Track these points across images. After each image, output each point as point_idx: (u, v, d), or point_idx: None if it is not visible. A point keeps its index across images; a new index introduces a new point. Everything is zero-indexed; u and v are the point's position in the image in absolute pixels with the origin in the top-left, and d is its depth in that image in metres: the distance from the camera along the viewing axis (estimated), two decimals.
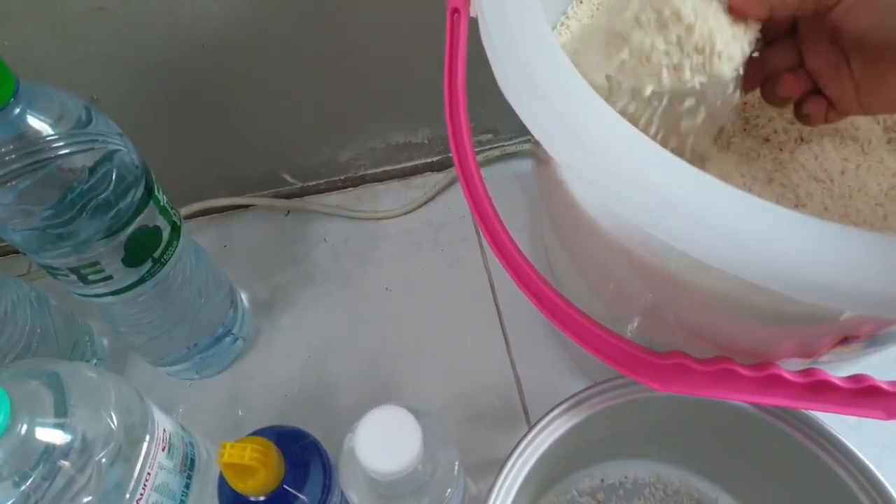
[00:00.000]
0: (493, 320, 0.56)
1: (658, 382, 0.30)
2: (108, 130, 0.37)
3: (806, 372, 0.28)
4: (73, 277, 0.39)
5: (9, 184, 0.34)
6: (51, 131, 0.34)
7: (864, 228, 0.30)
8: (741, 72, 0.29)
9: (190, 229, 0.48)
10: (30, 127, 0.33)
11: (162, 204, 0.41)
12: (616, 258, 0.33)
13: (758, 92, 0.37)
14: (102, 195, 0.36)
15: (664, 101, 0.29)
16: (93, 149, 0.36)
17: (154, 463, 0.35)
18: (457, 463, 0.37)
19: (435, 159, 0.66)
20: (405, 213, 0.63)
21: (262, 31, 0.49)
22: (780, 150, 0.35)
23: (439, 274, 0.59)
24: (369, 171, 0.65)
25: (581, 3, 0.41)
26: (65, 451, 0.30)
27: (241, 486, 0.33)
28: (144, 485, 0.34)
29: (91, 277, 0.40)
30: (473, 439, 0.50)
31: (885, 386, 0.27)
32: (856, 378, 0.28)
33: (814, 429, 0.35)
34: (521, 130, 0.63)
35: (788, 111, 0.36)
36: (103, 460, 0.31)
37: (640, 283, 0.34)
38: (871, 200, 0.32)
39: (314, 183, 0.65)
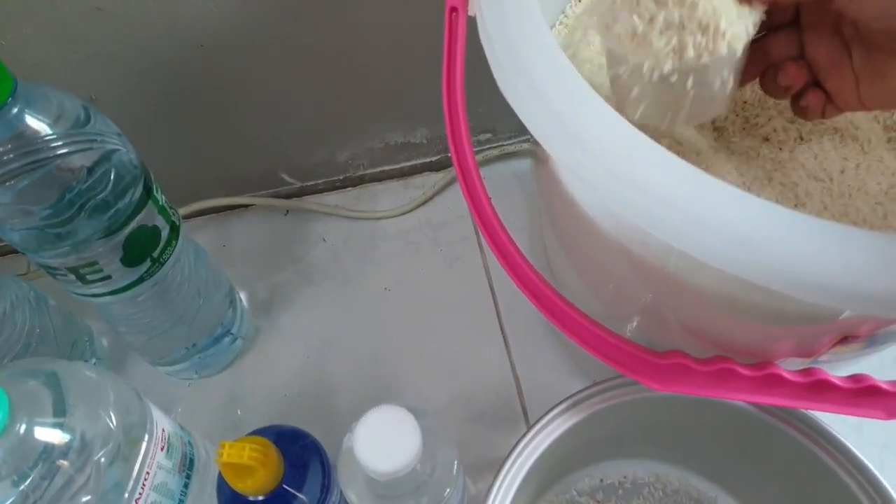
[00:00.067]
0: (493, 320, 0.56)
1: (657, 382, 0.30)
2: (107, 130, 0.37)
3: (805, 372, 0.28)
4: (72, 277, 0.39)
5: (7, 183, 0.34)
6: (49, 131, 0.34)
7: (863, 228, 0.30)
8: (741, 52, 0.28)
9: (189, 229, 0.48)
10: (28, 126, 0.33)
11: (161, 203, 0.41)
12: (615, 258, 0.33)
13: (758, 92, 0.37)
14: (101, 195, 0.36)
15: (656, 75, 0.29)
16: (91, 148, 0.36)
17: (153, 462, 0.35)
18: (456, 462, 0.37)
19: (434, 159, 0.66)
20: (404, 213, 0.63)
21: (260, 31, 0.49)
22: (780, 149, 0.35)
23: (438, 274, 0.59)
24: (368, 171, 0.65)
25: (580, 1, 0.41)
26: (63, 450, 0.30)
27: (240, 485, 0.33)
28: (143, 484, 0.34)
29: (90, 277, 0.39)
30: (472, 439, 0.50)
31: (884, 386, 0.27)
32: (855, 378, 0.28)
33: (813, 428, 0.35)
34: (520, 130, 0.63)
35: (788, 110, 0.36)
36: (102, 460, 0.31)
37: (640, 283, 0.34)
38: (870, 199, 0.32)
39: (313, 183, 0.65)
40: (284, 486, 0.35)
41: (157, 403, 0.38)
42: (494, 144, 0.66)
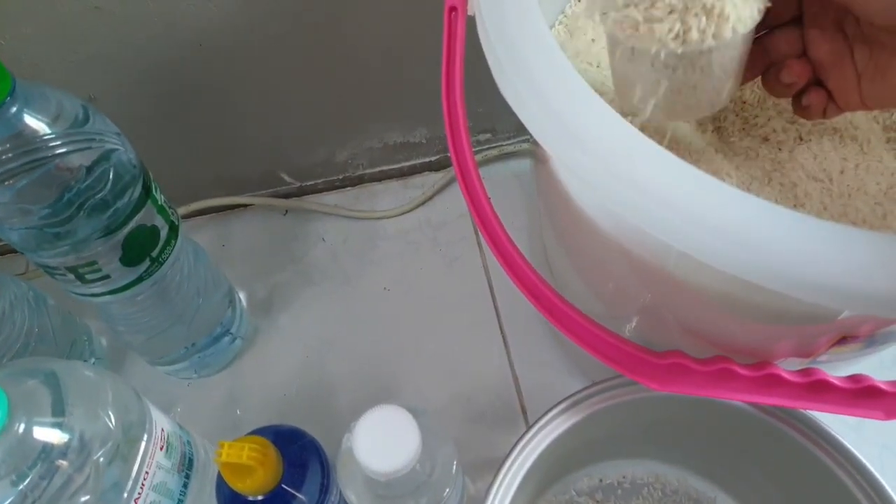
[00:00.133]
0: (492, 320, 0.56)
1: (656, 382, 0.30)
2: (106, 129, 0.37)
3: (804, 372, 0.28)
4: (71, 276, 0.39)
5: (6, 183, 0.33)
6: (48, 130, 0.34)
7: (863, 228, 0.30)
8: (746, 38, 0.28)
9: (188, 229, 0.48)
10: (27, 126, 0.33)
11: (160, 203, 0.41)
12: (615, 257, 0.33)
13: (757, 92, 0.37)
14: (100, 194, 0.36)
15: (659, 62, 0.28)
16: (90, 148, 0.36)
17: (152, 462, 0.35)
18: (455, 462, 0.37)
19: (433, 159, 0.66)
20: (403, 213, 0.63)
21: (260, 31, 0.49)
22: (779, 149, 0.35)
23: (438, 273, 0.59)
24: (367, 171, 0.65)
25: (580, 1, 0.41)
26: (63, 450, 0.30)
27: (239, 485, 0.33)
28: (142, 484, 0.34)
29: (89, 276, 0.39)
30: (472, 439, 0.50)
31: (883, 386, 0.27)
32: (854, 378, 0.28)
33: (812, 429, 0.35)
34: (520, 130, 0.63)
35: (787, 111, 0.36)
36: (101, 459, 0.31)
37: (639, 283, 0.34)
38: (870, 200, 0.32)
39: (312, 182, 0.65)
40: (283, 485, 0.35)
41: (156, 403, 0.38)
42: (494, 144, 0.66)
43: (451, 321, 0.56)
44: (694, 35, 0.26)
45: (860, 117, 0.36)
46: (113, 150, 0.37)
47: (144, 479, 0.34)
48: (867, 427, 0.36)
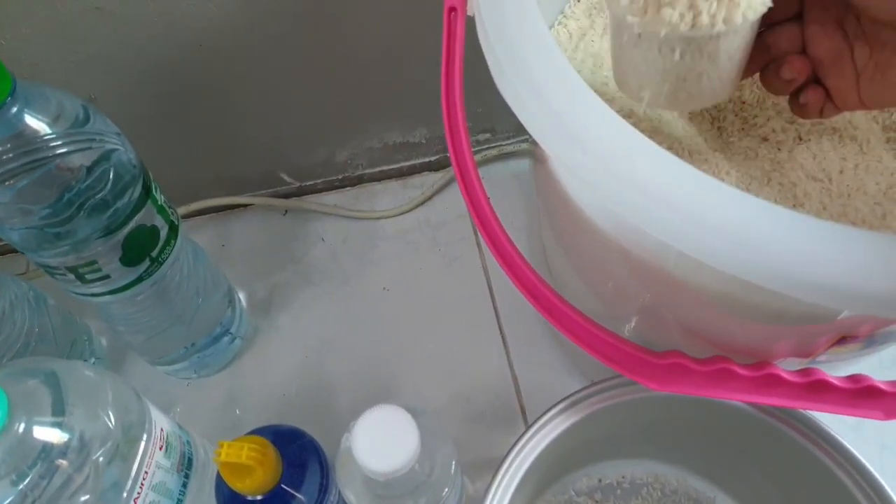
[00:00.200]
0: (491, 320, 0.56)
1: (655, 382, 0.30)
2: (106, 130, 0.37)
3: (804, 372, 0.28)
4: (71, 276, 0.39)
5: (7, 183, 0.34)
6: (48, 130, 0.34)
7: (862, 228, 0.30)
8: (755, 24, 0.27)
9: (188, 229, 0.48)
10: (27, 126, 0.33)
11: (160, 203, 0.41)
12: (614, 257, 0.33)
13: (757, 92, 0.37)
14: (100, 194, 0.36)
15: (665, 47, 0.28)
16: (90, 148, 0.36)
17: (151, 462, 0.35)
18: (454, 462, 0.37)
19: (432, 159, 0.66)
20: (403, 213, 0.63)
21: (259, 31, 0.49)
22: (779, 149, 0.35)
23: (437, 273, 0.59)
24: (367, 171, 0.65)
25: (579, 1, 0.41)
26: (62, 449, 0.30)
27: (238, 485, 0.33)
28: (142, 484, 0.34)
29: (89, 276, 0.39)
30: (471, 439, 0.50)
31: (883, 386, 0.27)
32: (854, 378, 0.28)
33: (811, 429, 0.35)
34: (519, 130, 0.63)
35: (786, 110, 0.36)
36: (101, 459, 0.31)
37: (638, 283, 0.34)
38: (869, 200, 0.32)
39: (312, 182, 0.65)
40: (283, 485, 0.35)
41: (155, 403, 0.38)
42: (493, 144, 0.66)
43: (451, 321, 0.56)
44: (704, 19, 0.26)
45: (859, 117, 0.36)
46: (113, 150, 0.37)
47: (144, 479, 0.34)
48: (866, 427, 0.36)
